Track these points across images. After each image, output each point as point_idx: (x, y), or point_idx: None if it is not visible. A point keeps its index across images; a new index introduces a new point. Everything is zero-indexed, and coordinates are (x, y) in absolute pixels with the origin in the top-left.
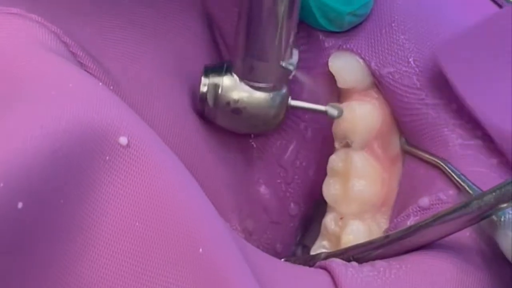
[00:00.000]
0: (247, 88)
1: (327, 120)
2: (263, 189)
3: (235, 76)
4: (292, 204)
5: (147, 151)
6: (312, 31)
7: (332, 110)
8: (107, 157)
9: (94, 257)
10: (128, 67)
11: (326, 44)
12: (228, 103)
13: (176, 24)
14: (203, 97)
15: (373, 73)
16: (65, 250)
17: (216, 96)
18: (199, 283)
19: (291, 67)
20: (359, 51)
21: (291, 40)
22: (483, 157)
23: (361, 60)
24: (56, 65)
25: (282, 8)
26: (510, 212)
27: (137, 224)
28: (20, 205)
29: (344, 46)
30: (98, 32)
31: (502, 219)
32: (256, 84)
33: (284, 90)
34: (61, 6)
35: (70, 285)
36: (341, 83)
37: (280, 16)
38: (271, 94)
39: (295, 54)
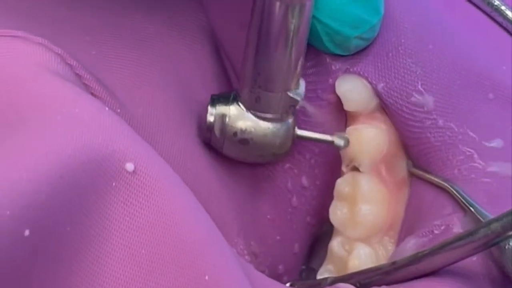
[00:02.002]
0: (253, 118)
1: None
2: (269, 213)
3: (242, 106)
4: (298, 227)
5: (154, 178)
6: (319, 54)
7: (338, 140)
8: (114, 184)
9: (100, 285)
10: (134, 91)
11: (333, 67)
12: (235, 133)
13: (182, 48)
14: (210, 127)
15: (379, 97)
16: (71, 278)
17: (223, 126)
18: None
19: (298, 98)
20: (365, 74)
21: (298, 70)
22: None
23: (368, 84)
24: (62, 89)
25: (290, 37)
26: None
27: (143, 251)
28: (27, 232)
29: (351, 69)
30: (103, 54)
31: (507, 247)
32: (263, 114)
33: (290, 120)
34: (65, 27)
35: None
36: (347, 106)
37: (288, 46)
38: (278, 125)
39: (302, 85)
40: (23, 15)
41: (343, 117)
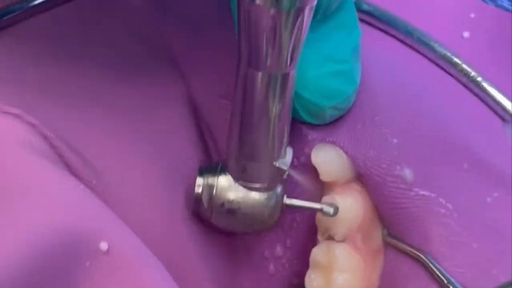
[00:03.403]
0: (241, 188)
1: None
2: (246, 281)
3: (229, 176)
4: None
5: (127, 257)
6: (295, 124)
7: (327, 209)
8: (88, 263)
9: None
10: (111, 159)
11: (310, 137)
12: (222, 204)
13: (163, 118)
14: (198, 198)
15: (356, 167)
16: None
17: (211, 197)
18: None
19: (284, 167)
20: (341, 144)
21: (284, 140)
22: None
23: (343, 154)
24: (36, 168)
25: (274, 107)
26: None
27: None
28: None
29: (327, 139)
30: (81, 121)
31: None
32: (250, 185)
33: (279, 190)
34: (42, 96)
35: None
36: (324, 176)
37: (272, 116)
38: (266, 194)
39: (289, 153)
40: None
41: (319, 185)
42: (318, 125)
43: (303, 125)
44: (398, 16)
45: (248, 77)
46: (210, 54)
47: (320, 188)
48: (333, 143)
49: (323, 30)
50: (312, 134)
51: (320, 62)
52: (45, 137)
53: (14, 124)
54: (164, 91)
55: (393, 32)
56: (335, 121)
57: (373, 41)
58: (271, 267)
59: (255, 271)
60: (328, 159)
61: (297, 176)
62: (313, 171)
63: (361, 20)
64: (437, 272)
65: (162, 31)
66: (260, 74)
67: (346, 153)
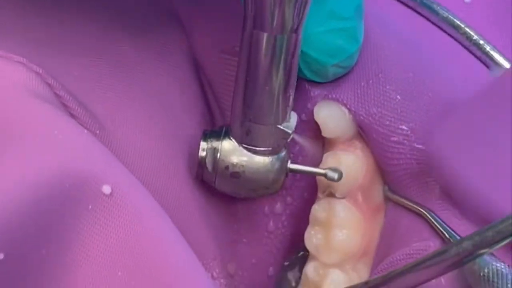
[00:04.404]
0: (245, 152)
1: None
2: (245, 236)
3: (233, 140)
4: (274, 250)
5: (130, 200)
6: (298, 80)
7: (332, 174)
8: (90, 206)
9: None
10: (115, 113)
11: (312, 94)
12: (227, 167)
13: (165, 75)
14: (202, 162)
15: (358, 124)
16: None
17: (215, 161)
18: None
19: (289, 130)
20: (344, 101)
21: (289, 102)
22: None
23: (346, 110)
24: (40, 112)
25: (279, 70)
26: (493, 263)
27: (119, 273)
28: (1, 256)
29: (330, 96)
30: (85, 76)
31: (482, 273)
32: (255, 148)
33: (283, 154)
34: (46, 47)
35: None
36: (326, 133)
37: (277, 79)
38: (270, 158)
39: (293, 117)
40: (1, 33)
41: (320, 142)
42: (321, 82)
43: (306, 82)
44: None
45: (253, 38)
46: (212, 9)
47: (322, 152)
48: (336, 99)
49: None
50: (314, 91)
51: (324, 19)
52: (49, 86)
53: (19, 70)
54: (166, 47)
55: None
56: (338, 78)
57: (377, 2)
58: (271, 224)
59: (255, 228)
60: (330, 115)
61: (300, 140)
62: (315, 128)
63: None
64: (438, 226)
65: None
66: (265, 35)
67: (349, 109)
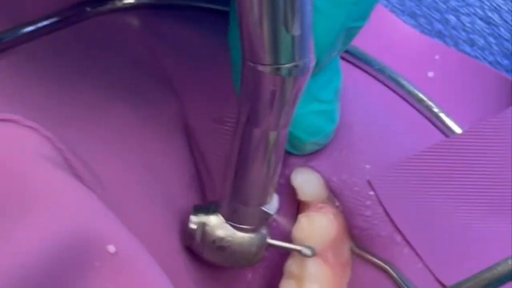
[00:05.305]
0: (230, 228)
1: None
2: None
3: (220, 216)
4: None
5: (134, 258)
6: None
7: (306, 251)
8: (97, 263)
9: None
10: (116, 177)
11: (290, 161)
12: (213, 241)
13: (160, 145)
14: (192, 234)
15: (331, 189)
16: None
17: (204, 234)
18: None
19: (271, 212)
20: (319, 169)
21: (272, 187)
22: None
23: (320, 177)
24: (52, 176)
25: (267, 160)
26: None
27: None
28: None
29: (306, 164)
30: (88, 140)
31: None
32: (239, 225)
33: (264, 231)
34: (50, 112)
35: None
36: (301, 196)
37: (264, 168)
38: (253, 235)
39: (275, 200)
40: (10, 97)
41: (295, 204)
42: None
43: (285, 152)
44: (371, 55)
45: (246, 132)
46: (206, 78)
47: (296, 206)
48: (311, 167)
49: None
50: (292, 159)
51: (306, 101)
52: (58, 150)
53: (32, 135)
54: (160, 113)
55: (367, 68)
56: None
57: (350, 77)
58: (249, 275)
59: (236, 280)
60: (306, 180)
61: (280, 219)
62: (291, 191)
63: (340, 57)
64: (401, 282)
65: (158, 53)
66: (258, 130)
67: (323, 176)
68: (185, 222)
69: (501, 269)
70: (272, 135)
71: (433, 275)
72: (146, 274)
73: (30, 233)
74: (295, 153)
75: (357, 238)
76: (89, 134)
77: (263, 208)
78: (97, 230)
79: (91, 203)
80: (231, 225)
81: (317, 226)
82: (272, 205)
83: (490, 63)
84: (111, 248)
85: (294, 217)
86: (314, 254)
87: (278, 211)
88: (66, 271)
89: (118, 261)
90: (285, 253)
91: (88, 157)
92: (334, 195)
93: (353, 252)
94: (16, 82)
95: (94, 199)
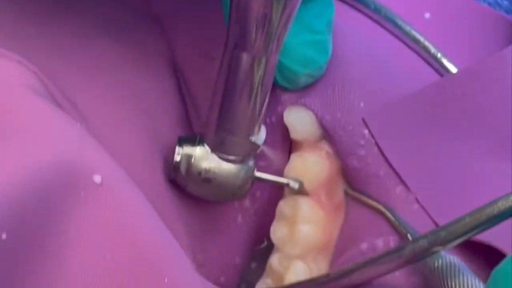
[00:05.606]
0: (217, 159)
1: (281, 166)
2: (215, 229)
3: (207, 147)
4: (241, 242)
5: (119, 190)
6: None
7: (293, 184)
8: (82, 193)
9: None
10: (99, 112)
11: (282, 99)
12: (199, 173)
13: (145, 79)
14: (176, 166)
15: (324, 127)
16: (39, 281)
17: (189, 166)
18: None
19: (259, 143)
20: (312, 107)
21: (260, 117)
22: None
23: (313, 115)
24: (37, 105)
25: (255, 87)
26: (445, 256)
27: (108, 256)
28: (4, 236)
29: (299, 101)
30: (72, 76)
31: (436, 264)
32: (226, 156)
33: (251, 163)
34: (40, 46)
35: None
36: (293, 135)
37: (253, 95)
38: (239, 166)
39: (263, 131)
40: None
41: (288, 143)
42: (291, 89)
43: (277, 88)
44: None
45: (233, 56)
46: (193, 13)
47: (288, 145)
48: (304, 105)
49: (303, 2)
50: (285, 96)
51: (299, 31)
52: (43, 82)
53: (18, 68)
54: (146, 50)
55: (362, 8)
56: (307, 86)
57: (345, 17)
58: (239, 217)
59: (224, 221)
60: (299, 119)
61: (268, 151)
62: (284, 130)
63: None
64: (396, 222)
65: None
66: (245, 55)
67: (316, 114)
68: (170, 153)
69: (502, 205)
70: (262, 61)
71: (429, 216)
72: (132, 205)
73: (14, 158)
74: (288, 87)
75: (351, 179)
76: (74, 67)
77: (251, 139)
78: (83, 159)
79: (77, 132)
80: (217, 156)
81: (310, 166)
82: (260, 136)
83: (489, 3)
84: (97, 178)
85: (286, 157)
86: (301, 187)
87: (271, 151)
88: (50, 198)
89: (104, 192)
90: (277, 196)
91: (73, 89)
92: (327, 133)
93: (347, 194)
94: (1, 13)
95: (81, 128)
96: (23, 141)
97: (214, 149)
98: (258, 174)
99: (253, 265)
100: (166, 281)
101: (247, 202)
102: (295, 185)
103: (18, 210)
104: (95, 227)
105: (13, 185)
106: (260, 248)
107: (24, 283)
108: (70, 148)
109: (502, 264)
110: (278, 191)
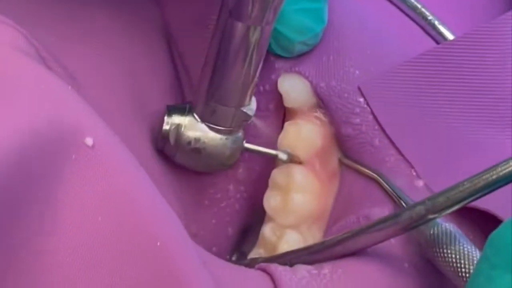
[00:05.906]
0: (207, 129)
1: (271, 138)
2: (207, 199)
3: (196, 117)
4: (233, 212)
5: (111, 152)
6: None
7: (282, 155)
8: (74, 156)
9: (55, 249)
10: (90, 76)
11: (276, 66)
12: (188, 143)
13: (136, 46)
14: (164, 135)
15: (318, 95)
16: (30, 242)
17: (178, 135)
18: (157, 273)
19: (250, 113)
20: (306, 74)
21: (252, 87)
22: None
23: (308, 83)
24: (29, 67)
25: (248, 57)
26: (441, 224)
27: (99, 218)
28: None
29: (293, 69)
30: (62, 40)
31: (432, 232)
32: (216, 127)
33: (240, 134)
34: (28, 12)
35: (31, 276)
36: (287, 103)
37: (245, 65)
38: (229, 137)
39: (254, 102)
40: None
41: (281, 111)
42: (285, 57)
43: (271, 55)
44: None
45: (227, 26)
46: None
47: (282, 113)
48: (298, 72)
49: None
50: (279, 64)
51: None
52: (33, 45)
53: (8, 30)
54: (139, 16)
55: None
56: (302, 54)
57: None
58: (231, 187)
59: (216, 191)
60: (293, 86)
61: (258, 122)
62: (278, 98)
63: None
64: (391, 190)
65: None
66: (240, 24)
67: (310, 82)
68: (159, 121)
69: (501, 170)
70: (256, 31)
71: (425, 184)
72: (123, 168)
73: (6, 119)
74: (283, 55)
75: (345, 148)
76: (65, 32)
77: (242, 109)
78: (75, 121)
79: (69, 95)
80: (207, 126)
81: (304, 134)
82: (251, 107)
83: None
84: (89, 141)
85: (280, 126)
86: (290, 159)
87: (262, 122)
88: (41, 160)
89: (95, 155)
90: (270, 166)
91: (63, 53)
92: (322, 102)
93: (341, 163)
94: None
95: (72, 91)
96: (15, 103)
97: (203, 119)
98: (247, 145)
99: (247, 235)
100: (158, 244)
101: (238, 172)
102: (283, 156)
103: (5, 170)
104: (87, 189)
105: (5, 147)
106: (254, 218)
107: (13, 240)
108: (61, 109)
109: (500, 229)
110: (271, 161)
